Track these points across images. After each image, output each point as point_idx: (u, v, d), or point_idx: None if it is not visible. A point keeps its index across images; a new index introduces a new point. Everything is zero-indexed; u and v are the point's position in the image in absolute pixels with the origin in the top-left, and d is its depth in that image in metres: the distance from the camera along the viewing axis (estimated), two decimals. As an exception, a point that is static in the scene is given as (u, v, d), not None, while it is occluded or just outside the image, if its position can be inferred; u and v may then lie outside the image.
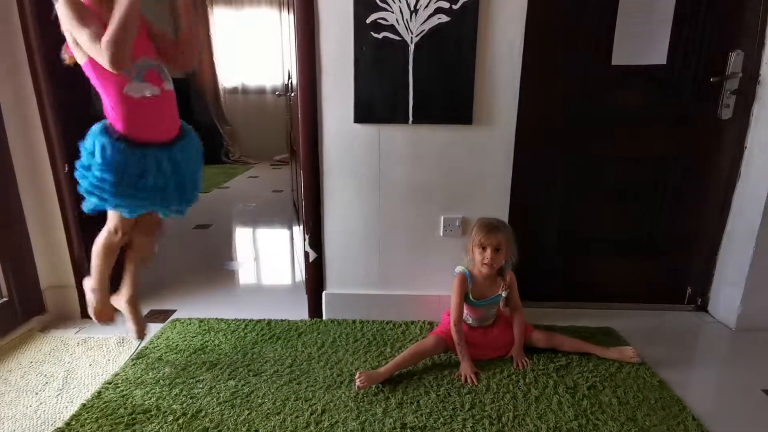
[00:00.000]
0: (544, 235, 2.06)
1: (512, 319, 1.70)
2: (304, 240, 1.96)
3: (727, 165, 1.91)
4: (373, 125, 1.79)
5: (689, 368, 1.69)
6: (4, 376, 1.59)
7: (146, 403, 1.44)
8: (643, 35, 1.80)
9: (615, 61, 1.82)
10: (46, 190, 1.85)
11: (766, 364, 1.69)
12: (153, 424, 1.35)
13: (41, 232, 1.89)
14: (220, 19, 5.86)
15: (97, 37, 1.19)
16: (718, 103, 1.85)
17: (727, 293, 1.95)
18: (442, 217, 1.88)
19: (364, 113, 1.77)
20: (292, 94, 2.53)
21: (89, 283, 1.62)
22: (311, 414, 1.39)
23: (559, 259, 2.09)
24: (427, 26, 1.67)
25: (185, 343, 1.78)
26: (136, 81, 1.30)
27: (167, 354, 1.70)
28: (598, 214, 2.02)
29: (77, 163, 1.37)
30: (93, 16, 1.22)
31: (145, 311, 1.82)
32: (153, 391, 1.50)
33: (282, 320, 1.95)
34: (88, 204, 1.38)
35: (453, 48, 1.68)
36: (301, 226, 2.15)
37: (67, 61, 1.32)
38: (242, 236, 3.31)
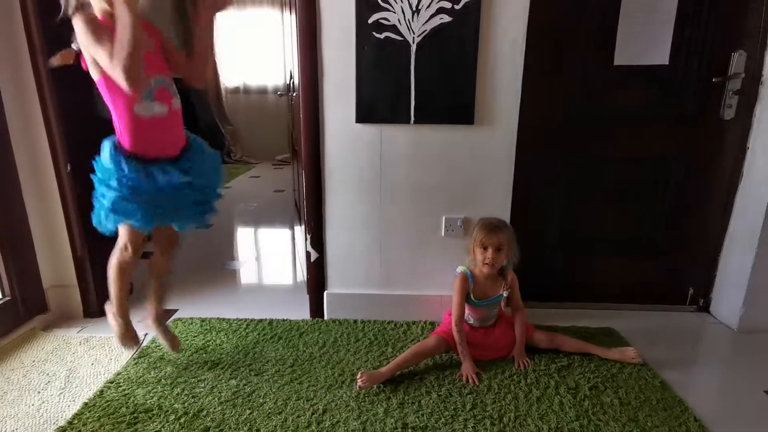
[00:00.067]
0: (546, 235, 2.05)
1: (514, 320, 1.70)
2: (306, 240, 1.96)
3: (729, 165, 1.91)
4: (375, 125, 1.79)
5: (691, 369, 1.68)
6: (6, 375, 1.60)
7: (148, 402, 1.44)
8: (646, 35, 1.79)
9: (617, 61, 1.82)
10: (49, 189, 1.85)
11: (769, 365, 1.68)
12: (155, 423, 1.35)
13: (44, 231, 1.90)
14: (221, 19, 5.86)
15: (113, 52, 1.19)
16: (720, 103, 1.85)
17: (730, 294, 1.95)
18: (444, 217, 1.88)
19: (366, 113, 1.77)
20: (294, 94, 2.53)
21: (111, 309, 1.62)
22: (312, 414, 1.39)
23: (561, 259, 2.09)
24: (428, 26, 1.67)
25: (187, 342, 1.78)
26: (147, 100, 1.30)
27: (169, 353, 1.70)
28: (601, 215, 2.02)
29: (97, 184, 1.35)
30: (109, 34, 1.22)
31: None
32: (155, 390, 1.50)
33: (283, 320, 1.95)
34: (109, 223, 1.37)
35: (455, 48, 1.68)
36: (303, 226, 2.16)
37: (55, 63, 1.33)
38: (244, 236, 3.32)
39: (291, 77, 2.79)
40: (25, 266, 1.86)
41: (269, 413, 1.39)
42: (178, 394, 1.48)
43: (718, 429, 1.35)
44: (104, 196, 1.34)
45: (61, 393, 1.50)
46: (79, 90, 1.82)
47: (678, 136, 1.92)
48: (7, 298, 1.81)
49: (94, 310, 1.99)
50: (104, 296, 2.00)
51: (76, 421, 1.36)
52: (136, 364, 1.64)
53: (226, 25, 5.86)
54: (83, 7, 1.25)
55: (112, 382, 1.54)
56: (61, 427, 1.34)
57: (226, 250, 2.94)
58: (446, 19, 1.66)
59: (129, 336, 1.62)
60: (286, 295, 2.29)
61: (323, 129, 1.81)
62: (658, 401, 1.45)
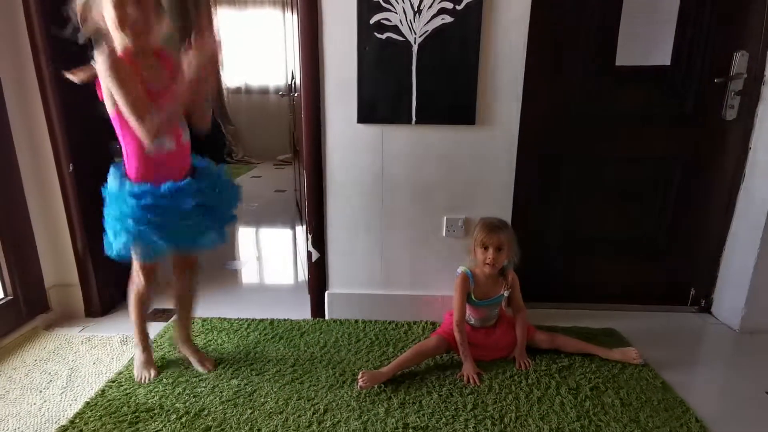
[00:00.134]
0: (547, 235, 2.05)
1: (515, 320, 1.70)
2: (307, 240, 1.96)
3: (731, 166, 1.91)
4: (377, 125, 1.79)
5: (692, 370, 1.68)
6: (8, 374, 1.60)
7: (149, 401, 1.45)
8: (647, 36, 1.79)
9: (619, 62, 1.82)
10: (51, 189, 1.86)
11: (770, 366, 1.68)
12: (156, 423, 1.35)
13: (46, 230, 1.90)
14: (223, 19, 5.87)
15: (135, 103, 1.21)
16: (722, 104, 1.85)
17: (731, 295, 1.94)
18: (445, 218, 1.88)
19: (368, 113, 1.77)
20: (296, 94, 2.54)
21: (135, 339, 1.61)
22: (314, 413, 1.39)
23: (562, 259, 2.08)
24: (430, 27, 1.67)
25: (188, 342, 1.78)
26: (158, 138, 1.29)
27: (170, 353, 1.70)
28: (602, 215, 2.02)
29: (109, 216, 1.35)
30: (131, 75, 1.23)
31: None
32: (156, 389, 1.50)
33: (285, 320, 1.95)
34: (121, 250, 1.36)
35: (456, 48, 1.68)
36: (304, 226, 2.16)
37: (76, 80, 1.32)
38: (245, 236, 3.32)
39: (292, 77, 2.79)
40: (27, 265, 1.87)
41: (270, 413, 1.40)
42: (179, 394, 1.48)
43: (720, 430, 1.35)
44: (116, 226, 1.33)
45: (63, 392, 1.51)
46: (81, 90, 1.83)
47: (679, 136, 1.91)
48: (9, 298, 1.82)
49: (95, 310, 2.00)
50: (105, 296, 2.02)
51: (77, 420, 1.36)
52: (137, 363, 1.65)
53: (228, 25, 5.87)
54: (104, 38, 1.26)
55: (113, 381, 1.54)
56: (63, 426, 1.34)
57: (228, 250, 2.94)
58: (448, 19, 1.66)
59: (147, 366, 1.57)
60: (287, 295, 2.29)
61: (325, 129, 1.81)
62: (660, 402, 1.45)
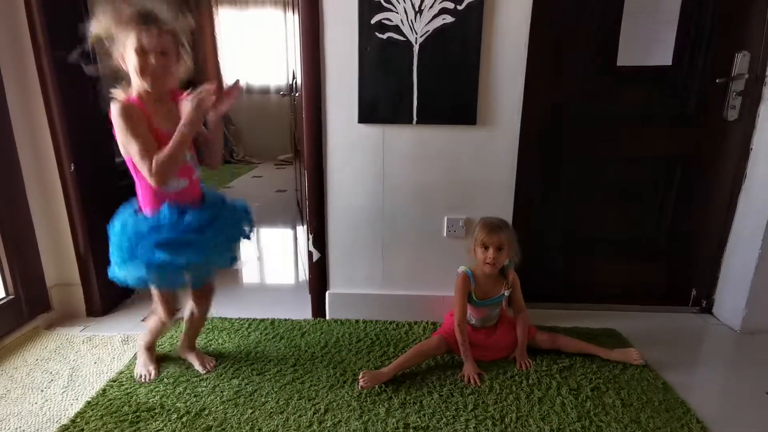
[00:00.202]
0: (548, 235, 2.05)
1: (516, 321, 1.70)
2: (308, 240, 1.96)
3: (732, 166, 1.91)
4: (378, 125, 1.79)
5: (693, 370, 1.68)
6: (10, 373, 1.60)
7: (150, 401, 1.45)
8: (648, 36, 1.79)
9: (620, 62, 1.81)
10: (53, 188, 1.86)
11: (771, 366, 1.68)
12: (157, 422, 1.35)
13: (47, 230, 1.90)
14: (224, 19, 5.87)
15: (146, 153, 1.22)
16: (723, 104, 1.85)
17: (732, 295, 1.94)
18: (446, 218, 1.88)
19: (369, 113, 1.77)
20: (297, 94, 2.54)
21: (141, 340, 1.63)
22: (314, 413, 1.39)
23: (563, 259, 2.08)
24: (431, 27, 1.67)
25: (189, 341, 1.78)
26: (167, 183, 1.29)
27: (171, 352, 1.71)
28: (603, 215, 2.02)
29: (121, 250, 1.33)
30: (143, 124, 1.24)
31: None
32: (157, 389, 1.50)
33: (285, 320, 1.96)
34: (161, 280, 1.37)
35: (457, 48, 1.68)
36: (305, 226, 2.16)
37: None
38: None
39: (293, 77, 2.80)
40: (28, 265, 1.87)
41: (271, 412, 1.40)
42: (180, 393, 1.48)
43: (721, 430, 1.35)
44: (130, 259, 1.31)
45: (64, 391, 1.51)
46: (83, 89, 1.84)
47: (681, 136, 1.91)
48: (11, 297, 1.82)
49: (97, 309, 2.00)
50: (107, 295, 2.02)
51: (78, 420, 1.36)
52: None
53: (229, 24, 5.87)
54: (122, 78, 1.27)
55: (114, 381, 1.54)
56: (64, 425, 1.35)
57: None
58: (449, 19, 1.66)
59: (148, 366, 1.59)
60: (288, 294, 2.29)
61: (326, 129, 1.81)
62: (660, 402, 1.45)
